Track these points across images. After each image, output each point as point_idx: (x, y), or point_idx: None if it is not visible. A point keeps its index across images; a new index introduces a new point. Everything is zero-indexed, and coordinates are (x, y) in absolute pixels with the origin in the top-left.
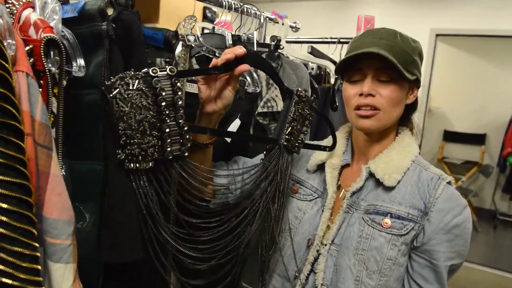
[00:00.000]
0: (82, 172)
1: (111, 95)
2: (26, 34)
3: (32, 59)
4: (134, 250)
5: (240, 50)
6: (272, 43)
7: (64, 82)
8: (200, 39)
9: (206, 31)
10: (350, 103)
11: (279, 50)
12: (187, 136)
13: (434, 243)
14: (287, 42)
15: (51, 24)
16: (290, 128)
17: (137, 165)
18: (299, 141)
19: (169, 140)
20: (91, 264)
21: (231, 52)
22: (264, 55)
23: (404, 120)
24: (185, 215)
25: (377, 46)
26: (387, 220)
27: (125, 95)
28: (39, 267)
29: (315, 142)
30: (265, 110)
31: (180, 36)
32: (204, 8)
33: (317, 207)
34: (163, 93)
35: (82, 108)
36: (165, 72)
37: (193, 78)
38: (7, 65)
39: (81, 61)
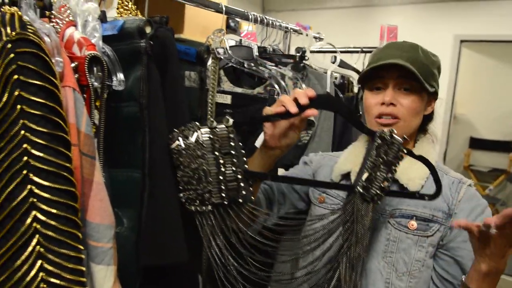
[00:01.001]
0: (121, 179)
1: (171, 147)
2: (70, 51)
3: (77, 74)
4: (174, 254)
5: (304, 98)
6: (297, 54)
7: (105, 95)
8: (229, 51)
9: (231, 42)
10: (372, 112)
11: (304, 61)
12: (242, 184)
13: (459, 241)
14: (311, 52)
15: (93, 42)
16: (368, 174)
17: (198, 208)
18: (380, 189)
19: (224, 187)
20: (129, 267)
21: (297, 97)
22: (289, 66)
23: (421, 129)
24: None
25: (400, 58)
26: (413, 222)
27: (183, 146)
28: (83, 268)
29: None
30: None
31: (210, 49)
32: (228, 18)
33: None
34: (218, 144)
35: (121, 119)
36: (222, 125)
37: (224, 88)
38: (56, 81)
39: (120, 76)
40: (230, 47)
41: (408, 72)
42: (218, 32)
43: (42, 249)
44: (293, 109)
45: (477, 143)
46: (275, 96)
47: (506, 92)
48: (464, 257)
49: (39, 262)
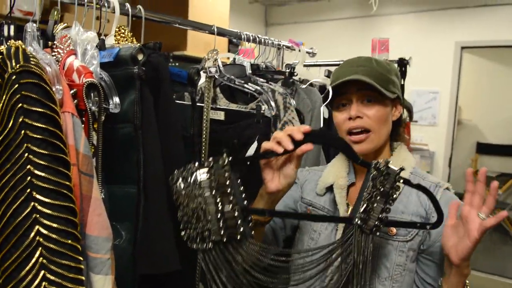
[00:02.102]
0: (118, 195)
1: (171, 188)
2: (70, 78)
3: (75, 100)
4: (168, 263)
5: (299, 134)
6: (287, 70)
7: (103, 118)
8: (221, 69)
9: (232, 57)
10: (342, 129)
11: (293, 77)
12: (239, 221)
13: (439, 245)
14: (305, 65)
15: (91, 68)
16: (365, 206)
17: (199, 245)
18: (378, 220)
19: (222, 225)
20: (127, 276)
21: (291, 134)
22: (280, 82)
23: (395, 136)
24: None
25: (356, 73)
26: (392, 228)
27: (182, 187)
28: (83, 277)
29: (398, 217)
30: None
31: (202, 69)
32: None
33: (331, 227)
34: (215, 183)
35: (118, 139)
36: (219, 163)
37: (219, 105)
38: (56, 108)
39: (116, 99)
40: (223, 65)
41: (366, 84)
42: (211, 52)
43: (44, 261)
44: (289, 146)
45: (484, 148)
46: (261, 112)
47: (511, 96)
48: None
49: (42, 272)
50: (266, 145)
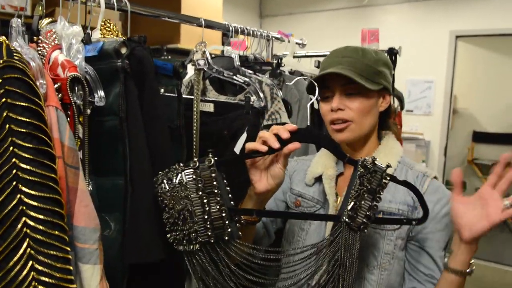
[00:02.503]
0: (107, 186)
1: (156, 190)
2: (55, 72)
3: (60, 94)
4: (155, 252)
5: (285, 133)
6: (274, 61)
7: (88, 111)
8: (210, 61)
9: (226, 48)
10: (326, 119)
11: (280, 68)
12: (227, 222)
13: (427, 232)
14: (296, 57)
15: (76, 63)
16: (353, 203)
17: (185, 247)
18: (366, 218)
19: (209, 226)
20: (117, 266)
21: (276, 134)
22: (267, 74)
23: (384, 125)
24: None
25: (340, 64)
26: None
27: (167, 188)
28: (71, 267)
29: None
30: (269, 122)
31: (191, 62)
32: None
33: None
34: (201, 184)
35: (105, 132)
36: (205, 164)
37: (209, 97)
38: (40, 102)
39: (101, 93)
40: (212, 58)
41: (349, 77)
42: (199, 45)
43: (32, 251)
44: (276, 144)
45: (480, 137)
46: (251, 103)
47: (507, 84)
48: (432, 247)
49: (30, 263)
50: (250, 145)
